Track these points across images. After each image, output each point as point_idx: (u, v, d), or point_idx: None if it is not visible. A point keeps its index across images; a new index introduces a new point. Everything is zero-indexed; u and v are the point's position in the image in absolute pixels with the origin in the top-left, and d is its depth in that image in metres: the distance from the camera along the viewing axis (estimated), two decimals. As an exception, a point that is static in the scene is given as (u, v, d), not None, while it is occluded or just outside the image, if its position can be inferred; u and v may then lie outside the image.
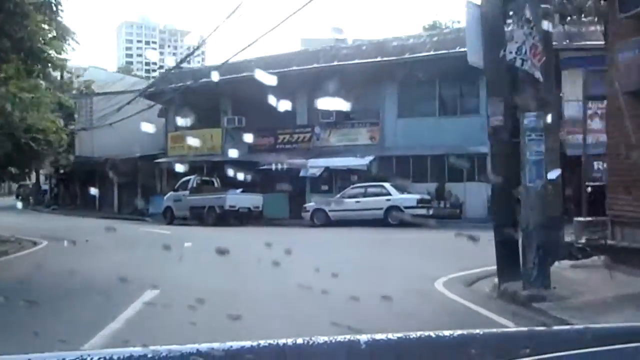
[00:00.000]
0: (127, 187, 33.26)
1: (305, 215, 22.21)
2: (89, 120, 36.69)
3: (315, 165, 23.92)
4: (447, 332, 1.27)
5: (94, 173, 33.16)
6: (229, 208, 22.79)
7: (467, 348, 1.24)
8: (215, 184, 25.33)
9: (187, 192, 24.44)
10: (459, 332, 1.29)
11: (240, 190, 23.31)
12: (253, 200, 23.52)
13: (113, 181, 34.08)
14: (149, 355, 1.09)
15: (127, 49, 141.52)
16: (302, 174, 24.03)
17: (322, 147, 25.44)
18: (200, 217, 23.81)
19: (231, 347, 1.13)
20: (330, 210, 21.62)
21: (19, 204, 41.91)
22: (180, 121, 28.21)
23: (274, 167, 24.15)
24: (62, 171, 40.98)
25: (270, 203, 23.94)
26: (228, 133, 27.71)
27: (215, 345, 1.14)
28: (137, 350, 1.11)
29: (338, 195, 22.28)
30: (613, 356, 1.25)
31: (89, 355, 1.09)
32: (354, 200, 20.82)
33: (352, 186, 22.37)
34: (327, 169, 24.02)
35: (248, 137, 26.44)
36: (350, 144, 24.97)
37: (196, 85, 25.14)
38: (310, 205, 22.60)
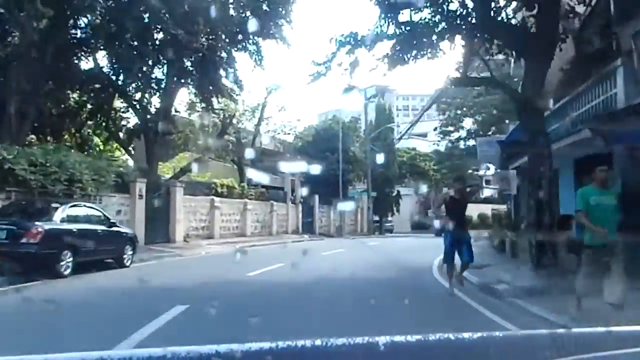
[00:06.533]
0: None
1: None
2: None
3: None
4: (466, 334, 1.24)
5: None
6: None
7: (487, 350, 1.23)
8: None
9: None
10: (479, 334, 1.25)
11: None
12: None
13: None
14: (168, 356, 1.08)
15: None
16: None
17: None
18: None
19: (250, 348, 1.12)
20: None
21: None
22: None
23: None
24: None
25: None
26: None
27: (234, 346, 1.12)
28: (156, 351, 1.09)
29: None
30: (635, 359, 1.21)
31: (109, 356, 1.07)
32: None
33: None
34: None
35: None
36: None
37: None
38: None
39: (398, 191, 55.09)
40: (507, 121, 33.56)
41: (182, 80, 26.58)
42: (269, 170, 39.26)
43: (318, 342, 1.15)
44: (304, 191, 37.03)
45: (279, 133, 36.75)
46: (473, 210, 66.19)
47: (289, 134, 37.39)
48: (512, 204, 32.76)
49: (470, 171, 57.66)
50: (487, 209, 68.90)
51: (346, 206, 45.41)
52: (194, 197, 25.40)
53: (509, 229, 29.23)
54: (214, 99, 27.09)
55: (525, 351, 1.23)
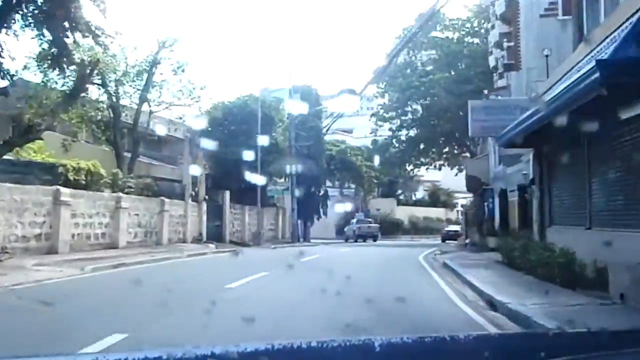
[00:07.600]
0: None
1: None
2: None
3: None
4: (462, 335, 1.24)
5: None
6: None
7: (482, 350, 1.20)
8: None
9: None
10: (474, 334, 1.32)
11: None
12: None
13: None
14: (164, 357, 1.05)
15: None
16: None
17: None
18: None
19: (245, 349, 1.10)
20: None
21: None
22: None
23: None
24: None
25: None
26: None
27: (230, 347, 1.09)
28: (152, 351, 1.07)
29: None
30: (628, 359, 1.15)
31: (104, 357, 1.08)
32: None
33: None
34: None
35: None
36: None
37: None
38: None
39: (326, 190, 46.87)
40: (485, 91, 26.35)
41: (19, 12, 17.04)
42: (163, 158, 29.75)
43: (314, 343, 1.15)
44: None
45: (174, 104, 27.19)
46: (402, 215, 59.50)
47: (190, 105, 27.91)
48: (493, 203, 25.52)
49: (410, 167, 50.23)
50: (418, 212, 62.61)
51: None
52: (23, 186, 15.65)
53: (492, 234, 21.80)
54: (69, 41, 17.63)
55: (519, 351, 1.20)
